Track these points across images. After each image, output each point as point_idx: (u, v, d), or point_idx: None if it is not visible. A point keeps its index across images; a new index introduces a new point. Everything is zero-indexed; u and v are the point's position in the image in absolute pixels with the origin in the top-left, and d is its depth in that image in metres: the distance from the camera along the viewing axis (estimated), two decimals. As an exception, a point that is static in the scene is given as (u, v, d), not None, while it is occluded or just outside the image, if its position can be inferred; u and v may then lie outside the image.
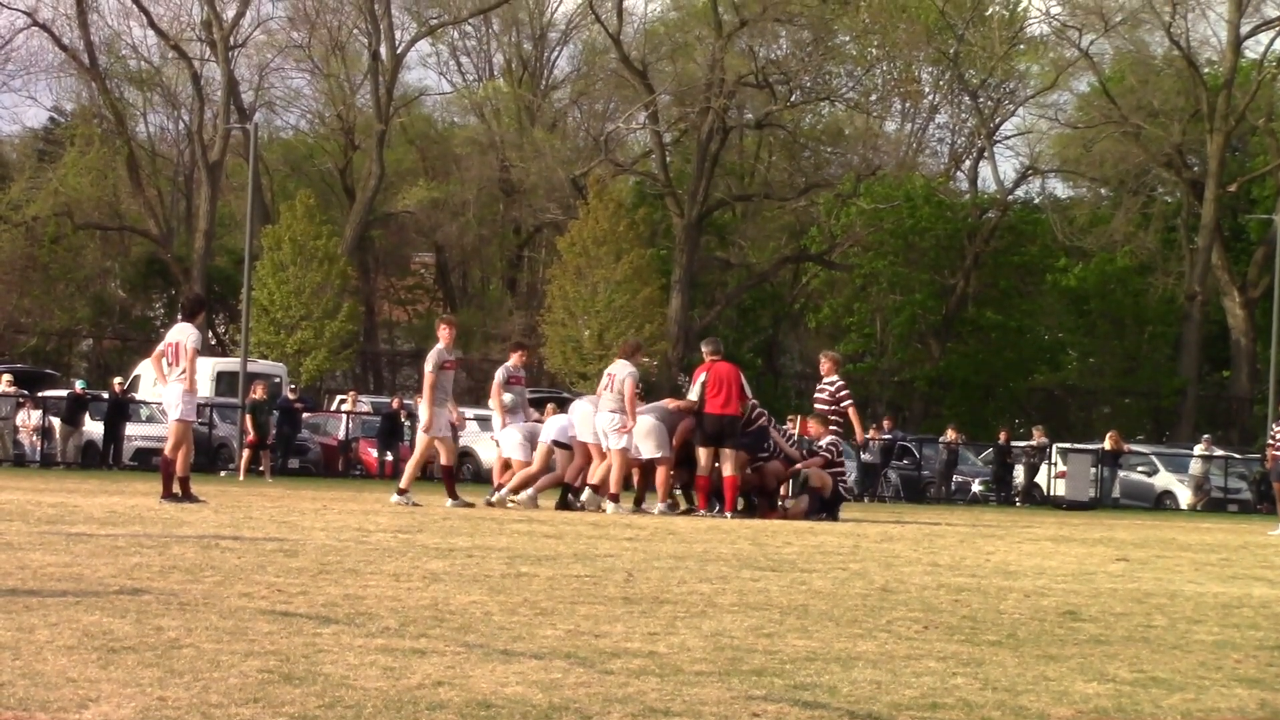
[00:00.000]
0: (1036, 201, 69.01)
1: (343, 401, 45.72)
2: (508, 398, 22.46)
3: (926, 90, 68.91)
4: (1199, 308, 62.26)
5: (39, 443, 39.10)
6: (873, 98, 66.64)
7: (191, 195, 67.88)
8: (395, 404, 41.64)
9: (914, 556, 13.64)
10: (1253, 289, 62.09)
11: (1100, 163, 65.79)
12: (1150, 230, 65.46)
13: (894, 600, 9.27)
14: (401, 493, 20.77)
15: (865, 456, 39.68)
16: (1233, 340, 63.31)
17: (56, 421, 39.45)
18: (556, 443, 21.73)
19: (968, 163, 69.86)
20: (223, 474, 37.02)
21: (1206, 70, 63.03)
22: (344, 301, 55.76)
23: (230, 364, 46.83)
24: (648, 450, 20.88)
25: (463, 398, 50.37)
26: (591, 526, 16.54)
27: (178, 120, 69.57)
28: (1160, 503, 45.04)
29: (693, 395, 21.19)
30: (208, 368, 44.22)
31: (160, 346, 19.18)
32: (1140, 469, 46.15)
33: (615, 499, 20.59)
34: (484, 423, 35.31)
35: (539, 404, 29.58)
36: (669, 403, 22.25)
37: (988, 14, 65.09)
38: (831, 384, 22.40)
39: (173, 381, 18.71)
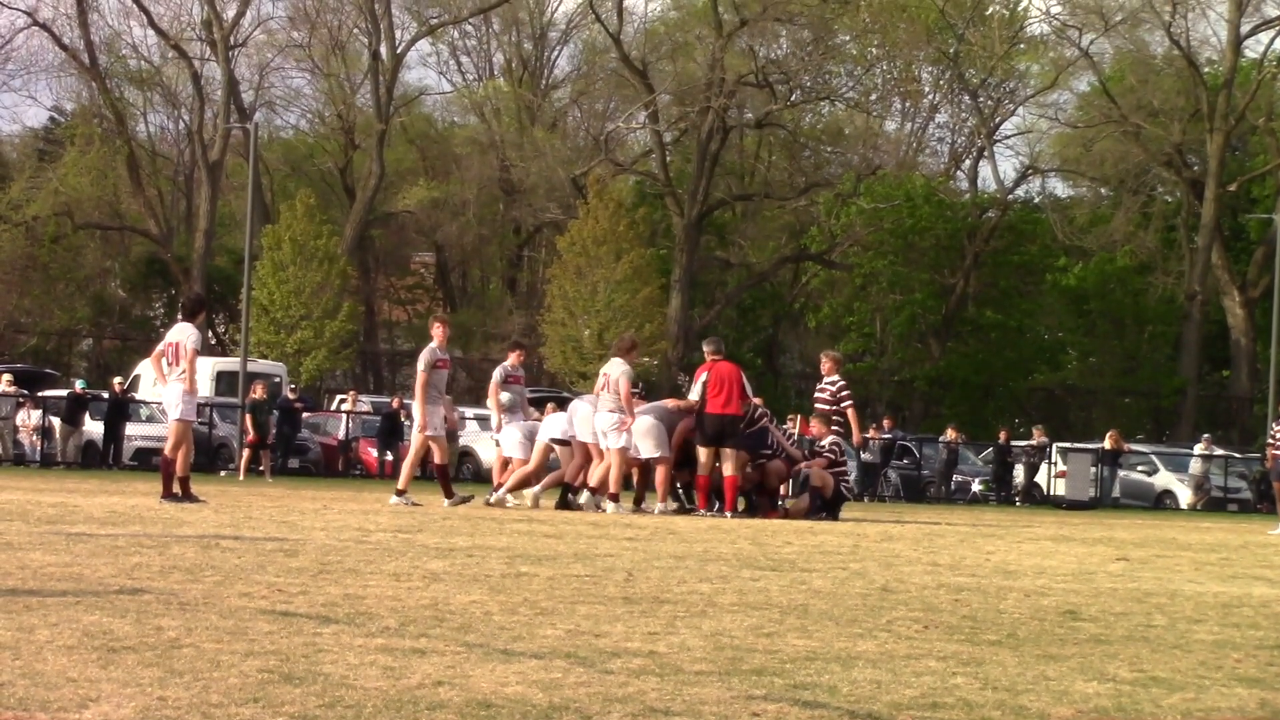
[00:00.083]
0: (1036, 201, 69.04)
1: (343, 401, 45.73)
2: (505, 397, 22.46)
3: (926, 90, 68.94)
4: (1199, 307, 62.26)
5: (39, 443, 39.10)
6: (873, 97, 66.67)
7: (191, 195, 67.90)
8: (395, 404, 41.64)
9: (914, 556, 13.64)
10: (1253, 289, 62.10)
11: (1100, 162, 65.80)
12: (1150, 230, 65.47)
13: (894, 600, 9.27)
14: (400, 494, 20.77)
15: (865, 456, 39.68)
16: (1233, 340, 63.31)
17: (56, 421, 39.45)
18: (555, 440, 21.74)
19: (968, 162, 69.94)
20: (223, 474, 37.02)
21: (1206, 70, 63.03)
22: (344, 301, 55.78)
23: (230, 364, 46.84)
24: (646, 450, 20.88)
25: (462, 397, 50.69)
26: (591, 526, 16.54)
27: (178, 120, 69.67)
28: (1160, 502, 45.04)
29: (694, 395, 21.19)
30: (208, 367, 44.23)
31: (160, 346, 19.18)
32: (1140, 469, 46.14)
33: (615, 499, 20.59)
34: (484, 422, 35.32)
35: (539, 404, 29.59)
36: (669, 402, 22.26)
37: (988, 14, 65.10)
38: (833, 384, 22.39)
39: (173, 381, 18.71)
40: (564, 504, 21.36)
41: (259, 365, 46.07)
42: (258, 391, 36.80)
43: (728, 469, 20.71)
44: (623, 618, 7.69)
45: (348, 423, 42.82)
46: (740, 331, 66.56)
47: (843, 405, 22.15)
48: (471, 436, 41.40)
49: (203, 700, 5.07)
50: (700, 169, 59.47)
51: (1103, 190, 69.60)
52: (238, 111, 61.07)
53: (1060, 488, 42.07)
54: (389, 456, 40.09)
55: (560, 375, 54.13)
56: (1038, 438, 44.46)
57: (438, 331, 21.35)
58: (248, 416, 36.63)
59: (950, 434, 44.69)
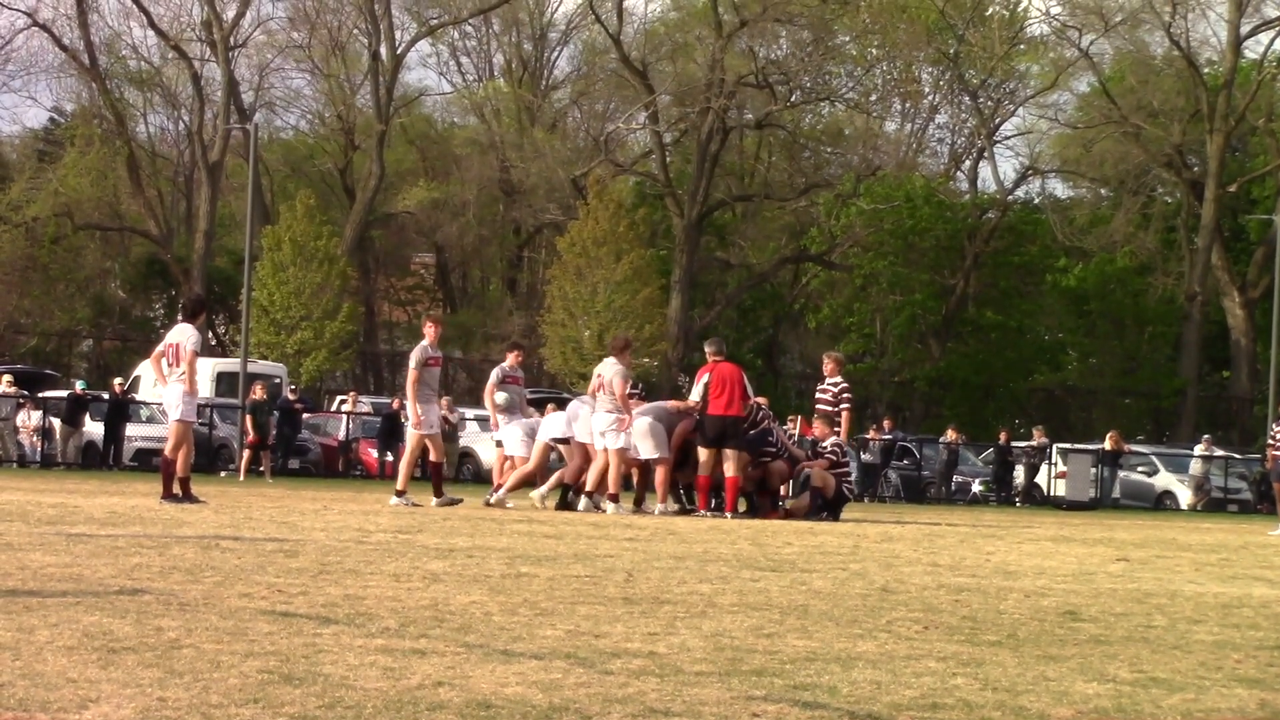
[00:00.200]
0: (1036, 202, 69.04)
1: (343, 402, 45.74)
2: (501, 397, 22.45)
3: (926, 90, 68.94)
4: (1199, 308, 62.26)
5: (39, 443, 39.10)
6: (873, 98, 66.68)
7: (191, 195, 67.89)
8: (395, 404, 41.61)
9: (914, 557, 13.64)
10: (1253, 289, 62.10)
11: (1100, 163, 65.81)
12: (1150, 230, 65.47)
13: (894, 600, 9.27)
14: (399, 494, 20.76)
15: (865, 457, 39.69)
16: (1233, 340, 63.32)
17: (57, 422, 39.45)
18: (556, 440, 21.75)
19: (968, 163, 69.96)
20: (223, 474, 37.02)
21: (1206, 70, 63.03)
22: (344, 302, 55.78)
23: (230, 364, 46.84)
24: (645, 451, 20.89)
25: (462, 398, 50.71)
26: (591, 527, 16.54)
27: (178, 120, 69.68)
28: (1160, 503, 45.03)
29: (695, 395, 21.18)
30: (208, 368, 44.24)
31: (160, 347, 19.18)
32: (1140, 469, 46.14)
33: (615, 499, 20.59)
34: (485, 423, 35.28)
35: (539, 404, 29.60)
36: (669, 403, 22.25)
37: (988, 14, 65.10)
38: (835, 384, 22.39)
39: (173, 382, 18.71)
40: (564, 504, 21.36)
41: (259, 366, 46.07)
42: (258, 392, 36.80)
43: (729, 469, 20.71)
44: (623, 618, 7.69)
45: (348, 423, 42.82)
46: (740, 332, 66.56)
47: (840, 406, 22.15)
48: (471, 437, 41.41)
49: (203, 701, 5.07)
50: (700, 170, 59.48)
51: (1103, 191, 69.60)
52: (238, 112, 61.07)
53: (1060, 488, 42.07)
54: (389, 457, 40.08)
55: (560, 376, 54.14)
56: (1038, 438, 44.46)
57: (429, 330, 21.36)
58: (248, 417, 36.63)
59: (950, 435, 44.70)
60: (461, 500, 21.32)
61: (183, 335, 18.72)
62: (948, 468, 44.00)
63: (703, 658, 6.42)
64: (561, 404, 27.27)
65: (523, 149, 62.92)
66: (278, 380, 44.80)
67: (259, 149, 52.24)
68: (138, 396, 42.09)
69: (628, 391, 21.12)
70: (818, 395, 22.75)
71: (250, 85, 66.30)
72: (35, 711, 4.84)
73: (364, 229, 63.33)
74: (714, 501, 21.10)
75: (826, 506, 21.56)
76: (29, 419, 39.42)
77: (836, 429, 22.07)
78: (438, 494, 20.94)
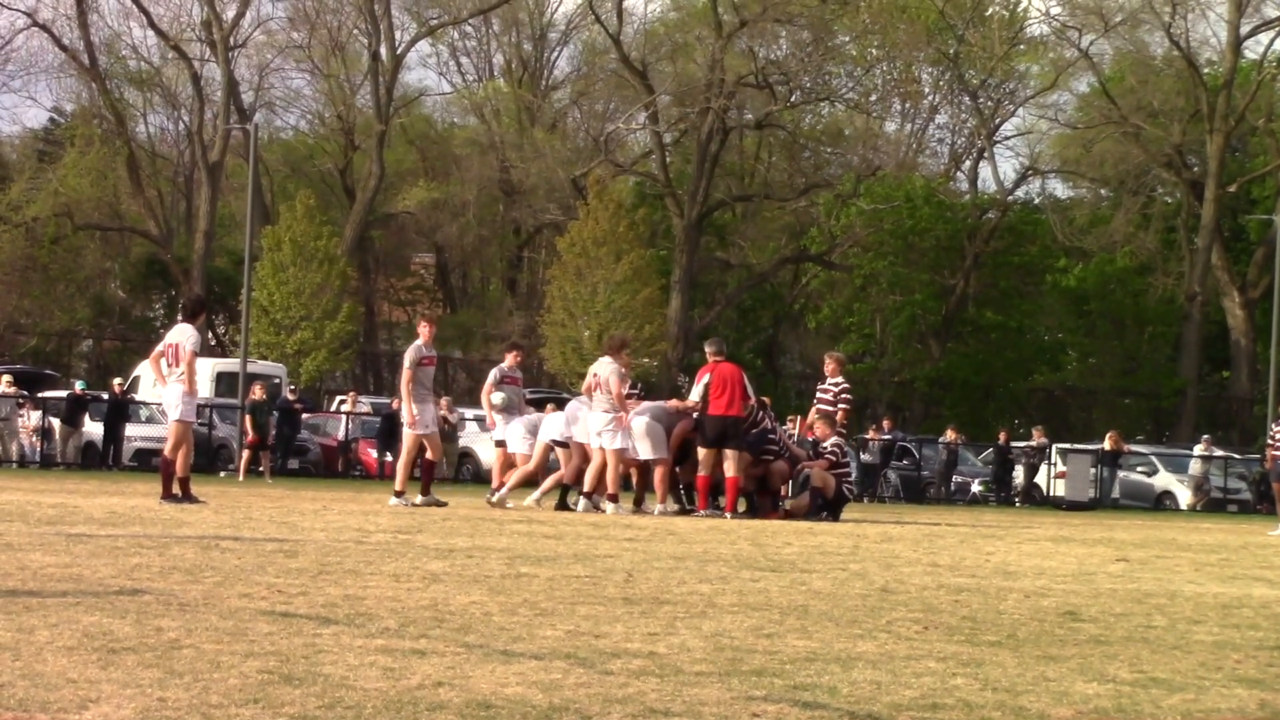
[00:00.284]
0: (1036, 202, 69.04)
1: (342, 402, 45.73)
2: (498, 397, 22.44)
3: (926, 90, 68.94)
4: (1199, 308, 62.26)
5: (39, 443, 39.10)
6: (873, 98, 66.68)
7: (191, 196, 67.89)
8: (395, 404, 41.50)
9: (914, 557, 13.64)
10: (1253, 289, 62.10)
11: (1100, 163, 65.81)
12: (1150, 230, 65.47)
13: (894, 600, 9.27)
14: (399, 495, 20.76)
15: (865, 457, 39.68)
16: (1233, 340, 63.32)
17: (56, 422, 39.45)
18: (555, 441, 21.75)
19: (968, 163, 69.96)
20: (222, 475, 37.01)
21: (1206, 70, 63.04)
22: (344, 302, 55.77)
23: (230, 365, 46.84)
24: (645, 451, 20.89)
25: (462, 398, 50.70)
26: (591, 527, 16.55)
27: (178, 121, 69.69)
28: (1160, 503, 45.02)
29: (695, 396, 21.17)
30: (208, 368, 44.23)
31: (160, 347, 19.18)
32: (1140, 469, 46.13)
33: (615, 499, 20.59)
34: (484, 423, 35.31)
35: (538, 404, 29.60)
36: (669, 403, 22.24)
37: (988, 14, 65.11)
38: (836, 385, 22.37)
39: (173, 382, 18.71)
40: (563, 505, 21.36)
41: (259, 366, 46.06)
42: (257, 392, 36.80)
43: (730, 470, 20.71)
44: (623, 618, 7.70)
45: (347, 424, 42.81)
46: (740, 332, 66.57)
47: (839, 406, 22.15)
48: (471, 437, 41.40)
49: (203, 701, 5.07)
50: (700, 170, 59.48)
51: (1103, 191, 69.60)
52: (238, 112, 61.07)
53: (1060, 488, 42.05)
54: (388, 457, 40.05)
55: (560, 376, 54.12)
56: (1037, 438, 44.45)
57: (424, 329, 21.37)
58: (247, 417, 36.62)
59: (950, 435, 44.70)
60: (446, 504, 21.16)
61: (182, 335, 18.72)
62: (947, 468, 44.00)
63: (703, 658, 6.42)
64: (561, 404, 27.28)
65: (523, 149, 62.92)
66: (277, 380, 44.79)
67: (259, 149, 52.24)
68: (137, 397, 42.08)
69: (626, 391, 21.12)
70: (818, 395, 22.74)
71: (250, 85, 66.33)
72: (35, 711, 4.84)
73: (364, 229, 63.34)
74: (719, 501, 21.09)
75: (826, 507, 21.57)
76: (29, 419, 39.42)
77: (840, 429, 22.08)
78: (424, 492, 20.92)
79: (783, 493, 22.29)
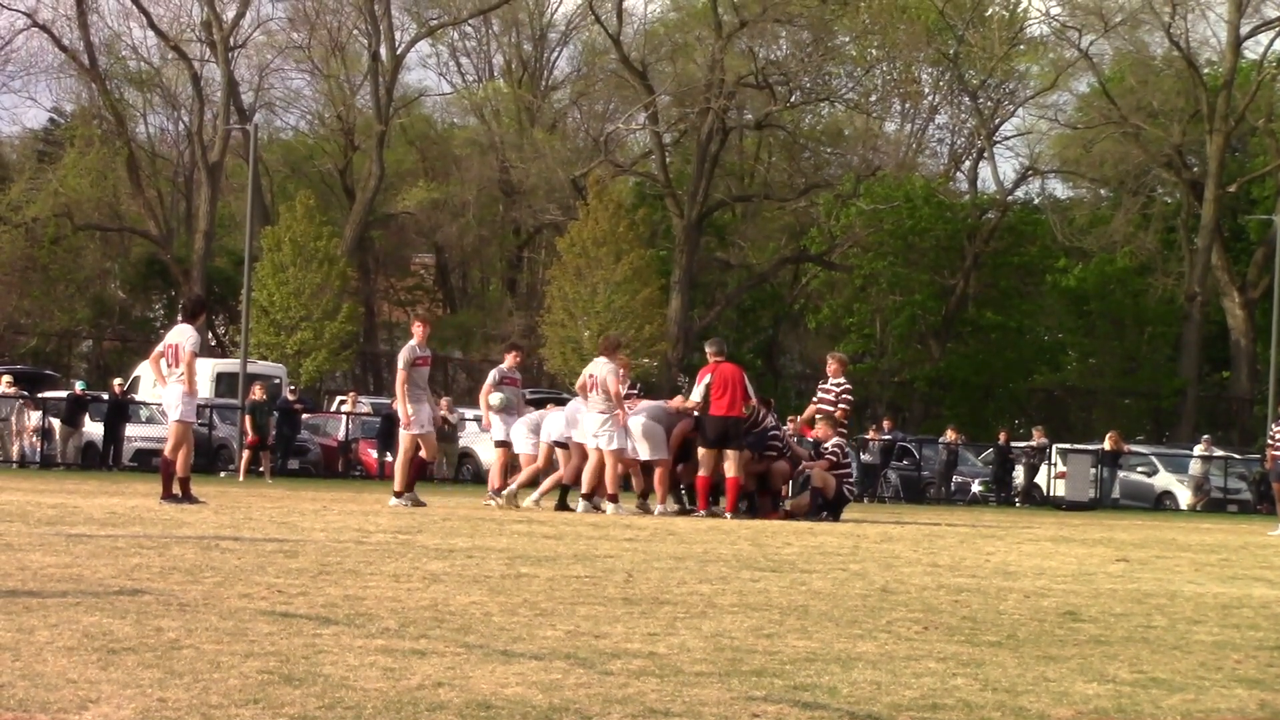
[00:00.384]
0: (1036, 202, 69.06)
1: (342, 402, 45.72)
2: (496, 398, 22.43)
3: (926, 91, 68.95)
4: (1199, 308, 62.27)
5: (39, 444, 39.10)
6: (873, 98, 66.70)
7: (191, 196, 67.89)
8: (394, 405, 41.60)
9: (914, 557, 13.64)
10: (1252, 289, 62.11)
11: (1100, 163, 65.80)
12: (1150, 231, 65.47)
13: (894, 601, 9.27)
14: (398, 495, 20.75)
15: (865, 457, 39.68)
16: (1232, 340, 63.32)
17: (56, 422, 39.44)
18: (556, 442, 21.75)
19: (967, 163, 69.97)
20: (223, 475, 37.01)
21: (1206, 71, 63.04)
22: (344, 302, 55.76)
23: (230, 365, 46.84)
24: (645, 452, 20.88)
25: (462, 398, 50.67)
26: (591, 527, 16.55)
27: (178, 121, 69.69)
28: (1160, 503, 45.01)
29: (696, 396, 21.16)
30: (208, 369, 44.23)
31: (159, 347, 19.17)
32: (1140, 469, 46.13)
33: (615, 499, 20.59)
34: (482, 423, 35.29)
35: (538, 405, 29.59)
36: (669, 403, 22.24)
37: (988, 14, 65.11)
38: (838, 385, 22.36)
39: (172, 383, 18.71)
40: (563, 505, 21.36)
41: (259, 366, 46.06)
42: (257, 393, 36.79)
43: (730, 470, 20.70)
44: (623, 619, 7.70)
45: (347, 424, 42.81)
46: (740, 332, 66.57)
47: (839, 406, 22.14)
48: (471, 437, 41.38)
49: (203, 701, 5.07)
50: (700, 170, 59.48)
51: (1102, 191, 69.60)
52: (237, 113, 61.06)
53: (1060, 489, 42.05)
54: (389, 458, 40.04)
55: (560, 376, 54.11)
56: (1037, 439, 44.44)
57: (418, 329, 21.36)
58: (247, 418, 36.62)
59: (950, 435, 44.70)
60: (425, 505, 20.98)
61: (182, 336, 18.72)
62: (947, 468, 44.00)
63: (703, 658, 6.42)
64: (561, 404, 27.28)
65: (523, 149, 62.92)
66: (277, 381, 44.79)
67: (259, 149, 52.24)
68: (137, 397, 42.08)
69: (624, 390, 21.11)
70: (819, 395, 22.72)
71: (250, 86, 66.33)
72: (35, 712, 4.84)
73: (364, 229, 63.33)
74: (719, 501, 21.10)
75: (827, 507, 21.58)
76: (29, 419, 39.41)
77: (841, 430, 22.08)
78: (408, 488, 20.87)
79: (783, 493, 22.30)
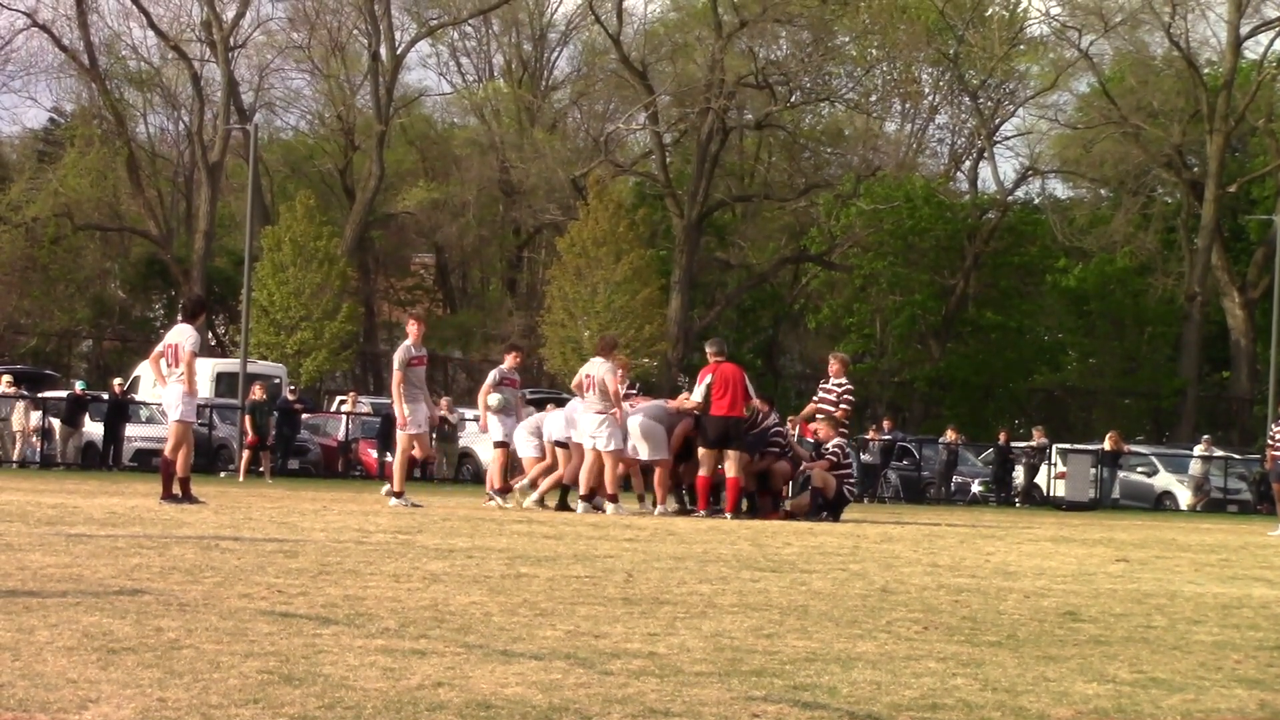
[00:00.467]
0: (1036, 202, 69.05)
1: (342, 402, 45.72)
2: (494, 399, 22.42)
3: (926, 91, 68.94)
4: (1199, 308, 62.27)
5: (39, 443, 39.10)
6: (873, 98, 66.69)
7: (191, 196, 67.89)
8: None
9: (914, 557, 13.64)
10: (1253, 289, 62.10)
11: (1100, 163, 65.80)
12: (1150, 231, 65.47)
13: (894, 601, 9.27)
14: (398, 495, 20.74)
15: (865, 457, 39.67)
16: (1233, 341, 63.32)
17: (56, 422, 39.44)
18: (557, 443, 21.75)
19: (968, 163, 69.97)
20: (222, 475, 37.00)
21: (1206, 71, 63.04)
22: (344, 302, 55.77)
23: (230, 365, 46.83)
24: (645, 452, 20.88)
25: (461, 398, 50.66)
26: (591, 527, 16.55)
27: (178, 121, 69.68)
28: (1160, 503, 45.01)
29: (697, 396, 21.14)
30: (207, 369, 44.22)
31: (159, 347, 19.17)
32: (1140, 469, 46.12)
33: (614, 499, 20.59)
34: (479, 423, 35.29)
35: (538, 405, 29.59)
36: (670, 403, 22.23)
37: (988, 14, 65.11)
38: (839, 385, 22.36)
39: (172, 382, 18.71)
40: (564, 505, 21.36)
41: (259, 366, 46.05)
42: (257, 393, 36.79)
43: (730, 470, 20.70)
44: (622, 619, 7.70)
45: (347, 424, 42.81)
46: (740, 332, 66.58)
47: (840, 406, 22.14)
48: (471, 437, 41.36)
49: (202, 701, 5.07)
50: (700, 170, 59.48)
51: (1103, 191, 69.60)
52: (237, 112, 61.07)
53: (1060, 489, 42.04)
54: (388, 458, 40.00)
55: (560, 376, 54.10)
56: (1037, 439, 44.44)
57: (413, 329, 21.34)
58: (247, 418, 36.62)
59: (950, 435, 44.69)
60: (421, 506, 20.91)
61: (182, 336, 18.72)
62: (947, 468, 43.99)
63: (703, 658, 6.42)
64: (560, 404, 27.28)
65: (523, 149, 62.92)
66: (277, 381, 44.78)
67: (259, 149, 52.23)
68: (137, 397, 42.08)
69: (623, 390, 21.10)
70: (820, 394, 22.71)
71: (250, 85, 66.32)
72: (35, 711, 4.84)
73: (364, 229, 63.33)
74: (720, 501, 21.09)
75: (827, 507, 21.58)
76: (28, 419, 39.41)
77: (843, 430, 22.08)
78: (397, 488, 20.88)
79: (784, 493, 22.30)
